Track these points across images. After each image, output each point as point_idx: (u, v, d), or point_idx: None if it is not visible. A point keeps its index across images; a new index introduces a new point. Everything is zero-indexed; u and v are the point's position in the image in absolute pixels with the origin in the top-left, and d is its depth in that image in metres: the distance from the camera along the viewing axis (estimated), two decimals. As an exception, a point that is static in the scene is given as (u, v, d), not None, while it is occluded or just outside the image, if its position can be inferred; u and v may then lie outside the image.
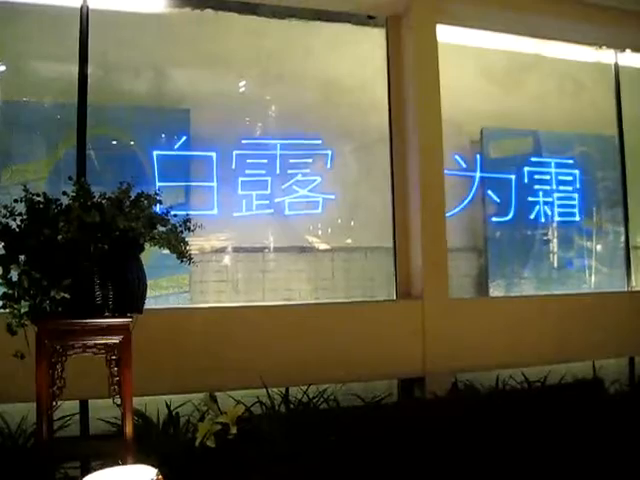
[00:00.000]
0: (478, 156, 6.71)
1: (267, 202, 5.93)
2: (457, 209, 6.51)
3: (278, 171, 5.97)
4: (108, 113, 5.55)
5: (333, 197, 6.09)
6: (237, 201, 5.82)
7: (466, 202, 6.63)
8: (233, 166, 5.83)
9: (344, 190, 6.16)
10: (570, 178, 7.16)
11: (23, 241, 2.78)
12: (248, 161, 5.88)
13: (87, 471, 2.79)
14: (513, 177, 6.84)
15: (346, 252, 6.22)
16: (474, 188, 6.69)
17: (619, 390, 5.62)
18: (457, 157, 6.60)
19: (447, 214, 5.93)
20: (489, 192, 6.72)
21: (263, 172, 5.93)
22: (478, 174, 6.71)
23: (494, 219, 6.74)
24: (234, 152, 5.84)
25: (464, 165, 6.66)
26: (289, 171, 6.01)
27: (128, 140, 5.60)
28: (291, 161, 6.02)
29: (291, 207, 5.99)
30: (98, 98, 5.35)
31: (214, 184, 5.74)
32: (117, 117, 5.59)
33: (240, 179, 5.84)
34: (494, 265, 6.69)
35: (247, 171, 5.87)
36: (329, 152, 6.10)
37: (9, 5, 5.29)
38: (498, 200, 6.76)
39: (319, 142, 6.09)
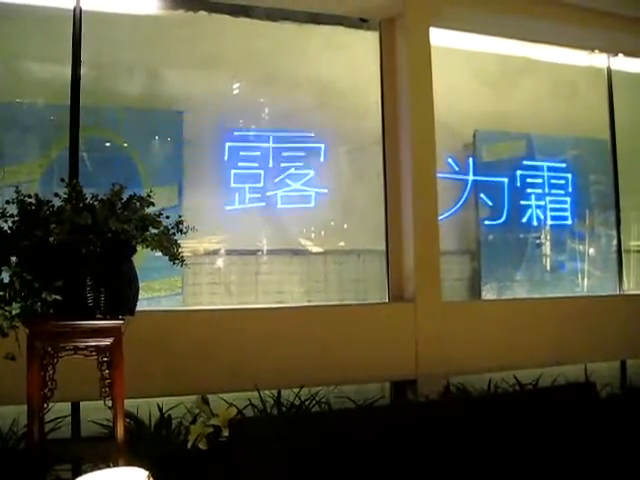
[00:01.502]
0: (471, 159, 6.73)
1: (259, 195, 5.95)
2: (450, 212, 6.52)
3: (271, 164, 5.99)
4: (101, 115, 5.54)
5: (326, 191, 6.10)
6: (230, 194, 5.83)
7: (459, 205, 6.64)
8: (225, 157, 5.84)
9: (337, 193, 6.16)
10: (562, 182, 7.18)
11: (15, 243, 2.77)
12: (240, 164, 5.88)
13: (79, 473, 2.79)
14: (506, 180, 6.85)
15: (339, 255, 6.22)
16: (467, 191, 6.70)
17: (611, 393, 5.64)
18: (450, 160, 6.62)
19: (440, 217, 5.94)
20: (482, 195, 6.73)
21: (256, 165, 5.95)
22: (471, 177, 6.72)
23: (487, 222, 6.75)
24: (226, 144, 5.87)
25: (457, 168, 6.67)
26: (282, 164, 6.03)
27: (121, 142, 5.59)
28: (284, 154, 6.04)
29: (283, 201, 6.02)
30: (91, 99, 5.33)
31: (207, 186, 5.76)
32: (110, 119, 5.58)
33: (232, 171, 5.87)
34: (487, 268, 6.70)
35: (240, 164, 5.89)
36: (322, 145, 6.11)
37: (1, 6, 5.27)
38: (491, 203, 6.78)
39: (311, 134, 6.12)
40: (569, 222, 7.17)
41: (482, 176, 6.76)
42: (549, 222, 7.06)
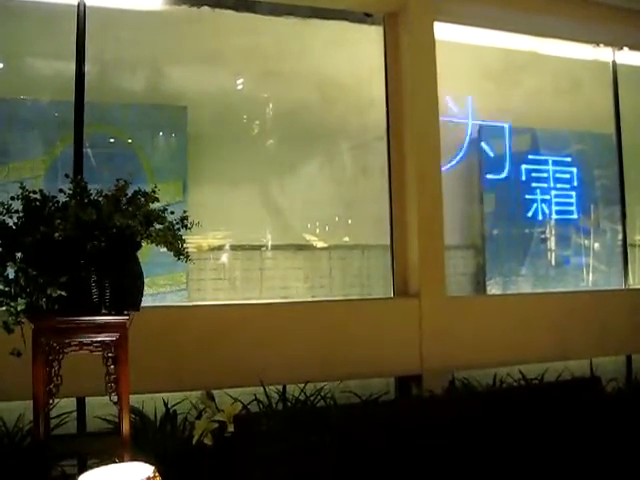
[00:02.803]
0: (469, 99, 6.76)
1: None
2: (452, 162, 6.53)
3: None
4: (105, 111, 5.54)
5: None
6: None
7: (462, 154, 6.65)
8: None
9: (341, 188, 6.16)
10: (567, 176, 7.16)
11: (20, 239, 2.78)
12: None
13: (84, 469, 2.80)
14: (506, 126, 6.88)
15: (343, 250, 6.22)
16: (467, 139, 6.72)
17: (616, 388, 5.63)
18: (449, 102, 6.63)
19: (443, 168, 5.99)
20: (482, 145, 6.76)
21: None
22: (470, 122, 6.75)
23: (489, 176, 6.76)
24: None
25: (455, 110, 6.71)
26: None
27: (125, 138, 5.59)
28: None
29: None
30: (95, 96, 5.34)
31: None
32: (114, 115, 5.59)
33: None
34: (491, 263, 6.69)
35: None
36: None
37: (6, 2, 5.27)
38: (492, 154, 6.80)
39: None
40: (574, 216, 7.15)
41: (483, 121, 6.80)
42: (554, 217, 7.04)
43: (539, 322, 6.07)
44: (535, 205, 6.94)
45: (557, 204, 7.05)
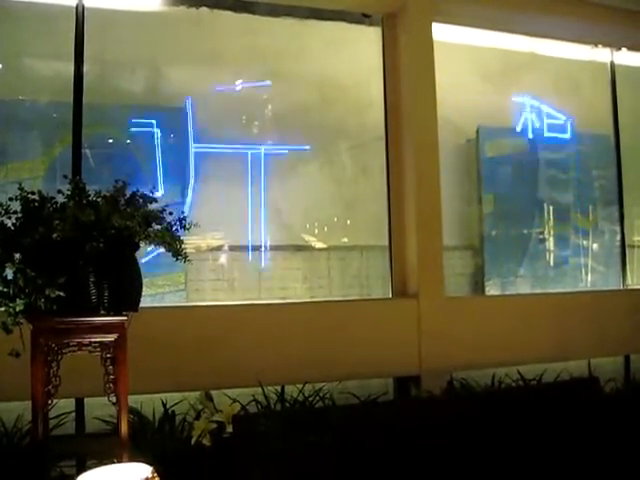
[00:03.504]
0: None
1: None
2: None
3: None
4: (104, 111, 5.54)
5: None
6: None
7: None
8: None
9: (340, 189, 6.16)
10: (566, 175, 7.18)
11: (18, 239, 2.78)
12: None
13: (83, 469, 2.80)
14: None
15: (342, 251, 6.21)
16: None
17: (615, 388, 5.64)
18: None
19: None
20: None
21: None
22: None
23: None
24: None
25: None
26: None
27: (124, 139, 5.59)
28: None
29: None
30: (94, 96, 5.34)
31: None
32: (113, 115, 5.58)
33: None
34: (490, 264, 6.70)
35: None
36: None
37: (4, 4, 5.28)
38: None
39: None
40: (573, 217, 7.17)
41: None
42: (552, 218, 7.05)
43: (538, 322, 6.07)
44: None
45: (556, 204, 7.07)
